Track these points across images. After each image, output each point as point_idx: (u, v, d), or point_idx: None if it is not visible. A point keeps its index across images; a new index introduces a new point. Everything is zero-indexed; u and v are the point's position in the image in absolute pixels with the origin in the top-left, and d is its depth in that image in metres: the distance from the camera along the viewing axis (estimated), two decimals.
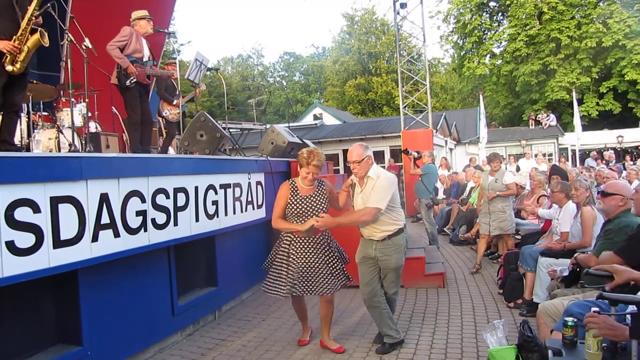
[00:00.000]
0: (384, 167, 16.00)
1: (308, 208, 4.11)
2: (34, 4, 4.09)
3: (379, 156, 17.20)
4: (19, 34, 4.00)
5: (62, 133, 6.07)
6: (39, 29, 4.12)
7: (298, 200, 4.12)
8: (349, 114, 37.12)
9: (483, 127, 17.87)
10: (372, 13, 42.87)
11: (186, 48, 45.36)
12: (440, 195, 12.39)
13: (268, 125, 8.26)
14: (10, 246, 3.01)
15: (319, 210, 4.13)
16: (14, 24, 4.02)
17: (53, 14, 4.85)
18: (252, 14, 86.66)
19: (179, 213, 4.59)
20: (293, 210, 4.10)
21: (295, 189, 4.18)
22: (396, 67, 16.56)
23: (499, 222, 6.89)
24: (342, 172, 16.36)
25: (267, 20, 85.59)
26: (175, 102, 7.48)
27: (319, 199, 4.19)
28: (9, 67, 3.96)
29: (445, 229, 10.92)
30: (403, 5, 15.43)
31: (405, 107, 15.49)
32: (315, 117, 31.02)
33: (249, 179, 6.07)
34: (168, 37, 9.80)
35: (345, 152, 15.95)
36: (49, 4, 4.82)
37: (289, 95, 45.61)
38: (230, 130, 7.84)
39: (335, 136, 18.55)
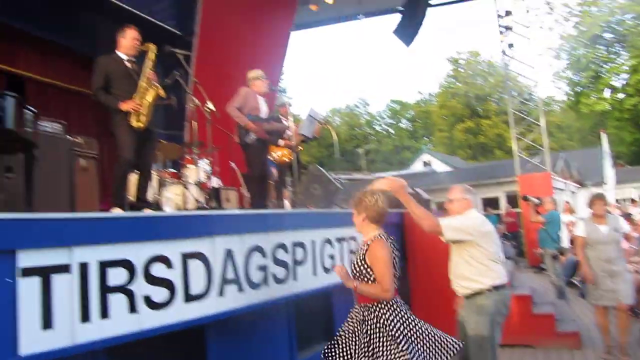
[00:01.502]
0: (499, 214, 15.20)
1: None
2: (149, 65, 4.59)
3: (493, 203, 16.42)
4: (139, 92, 4.49)
5: (188, 189, 6.47)
6: (154, 84, 4.59)
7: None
8: (458, 159, 36.26)
9: (609, 167, 16.48)
10: (477, 54, 42.24)
11: (295, 101, 47.56)
12: (566, 244, 11.41)
13: (377, 174, 8.21)
14: (148, 300, 3.18)
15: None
16: (134, 88, 4.52)
17: (180, 80, 5.36)
18: (357, 65, 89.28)
19: (297, 267, 4.62)
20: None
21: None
22: (506, 108, 15.92)
23: (626, 284, 5.34)
24: None
25: (373, 71, 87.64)
26: (281, 143, 7.02)
27: None
28: (134, 124, 4.42)
29: (572, 280, 9.95)
30: (510, 46, 15.01)
31: (519, 149, 14.74)
32: (425, 164, 30.69)
33: None
34: (279, 92, 10.30)
35: None
36: (177, 72, 5.34)
37: (397, 142, 45.56)
38: (341, 180, 7.90)
39: (448, 182, 18.03)
